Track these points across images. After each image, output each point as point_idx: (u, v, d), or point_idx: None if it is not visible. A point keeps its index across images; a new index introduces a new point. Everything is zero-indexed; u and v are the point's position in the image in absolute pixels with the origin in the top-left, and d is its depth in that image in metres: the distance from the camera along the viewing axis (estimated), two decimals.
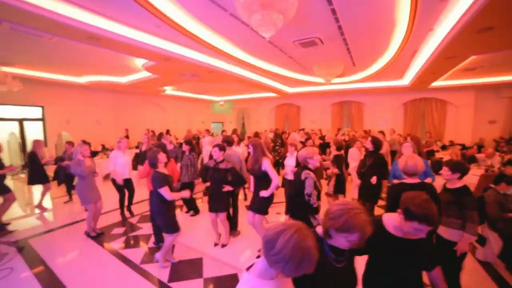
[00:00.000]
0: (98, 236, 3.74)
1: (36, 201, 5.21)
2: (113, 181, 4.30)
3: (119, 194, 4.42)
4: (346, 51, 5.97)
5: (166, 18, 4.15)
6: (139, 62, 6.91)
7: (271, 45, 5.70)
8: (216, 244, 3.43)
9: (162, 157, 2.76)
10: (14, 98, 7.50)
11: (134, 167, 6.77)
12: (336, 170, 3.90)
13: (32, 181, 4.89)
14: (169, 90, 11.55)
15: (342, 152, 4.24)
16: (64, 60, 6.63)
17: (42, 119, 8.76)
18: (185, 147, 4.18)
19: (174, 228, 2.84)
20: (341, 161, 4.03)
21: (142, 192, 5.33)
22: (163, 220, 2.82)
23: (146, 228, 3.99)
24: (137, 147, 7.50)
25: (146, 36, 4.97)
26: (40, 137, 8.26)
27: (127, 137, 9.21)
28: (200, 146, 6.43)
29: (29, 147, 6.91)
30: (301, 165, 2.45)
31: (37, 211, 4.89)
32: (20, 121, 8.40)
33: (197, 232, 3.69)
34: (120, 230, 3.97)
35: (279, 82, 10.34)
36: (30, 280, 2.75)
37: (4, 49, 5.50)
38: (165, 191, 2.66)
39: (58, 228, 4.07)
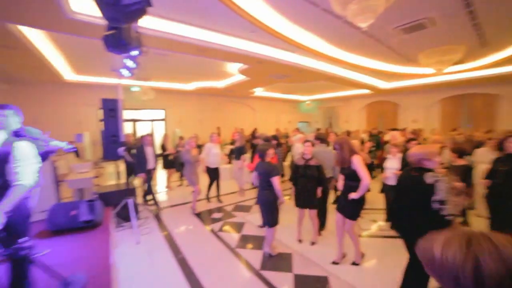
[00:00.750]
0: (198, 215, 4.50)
1: (162, 182, 6.71)
2: (207, 169, 5.12)
3: (210, 179, 5.21)
4: (472, 28, 4.70)
5: (260, 23, 4.45)
6: (235, 67, 7.73)
7: (366, 35, 5.17)
8: (300, 241, 3.46)
9: (271, 152, 3.08)
10: (148, 104, 9.89)
11: (230, 161, 7.67)
12: (461, 184, 3.00)
13: (164, 166, 6.35)
14: (258, 92, 12.37)
15: (466, 160, 3.28)
16: (179, 71, 8.19)
17: (164, 120, 11.24)
18: (274, 142, 4.38)
19: (275, 221, 3.02)
20: (469, 173, 3.12)
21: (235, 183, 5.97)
22: (268, 210, 3.01)
23: (240, 217, 4.43)
24: (231, 144, 8.45)
25: (241, 42, 5.48)
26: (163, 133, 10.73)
27: (218, 134, 10.55)
28: (289, 144, 6.63)
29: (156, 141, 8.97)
30: (412, 167, 2.10)
31: (161, 190, 6.28)
32: (151, 122, 11.06)
33: (285, 228, 3.79)
34: (218, 215, 4.56)
35: (373, 77, 9.28)
36: (161, 239, 3.59)
37: (146, 68, 7.32)
38: (278, 180, 2.92)
39: (174, 206, 5.07)
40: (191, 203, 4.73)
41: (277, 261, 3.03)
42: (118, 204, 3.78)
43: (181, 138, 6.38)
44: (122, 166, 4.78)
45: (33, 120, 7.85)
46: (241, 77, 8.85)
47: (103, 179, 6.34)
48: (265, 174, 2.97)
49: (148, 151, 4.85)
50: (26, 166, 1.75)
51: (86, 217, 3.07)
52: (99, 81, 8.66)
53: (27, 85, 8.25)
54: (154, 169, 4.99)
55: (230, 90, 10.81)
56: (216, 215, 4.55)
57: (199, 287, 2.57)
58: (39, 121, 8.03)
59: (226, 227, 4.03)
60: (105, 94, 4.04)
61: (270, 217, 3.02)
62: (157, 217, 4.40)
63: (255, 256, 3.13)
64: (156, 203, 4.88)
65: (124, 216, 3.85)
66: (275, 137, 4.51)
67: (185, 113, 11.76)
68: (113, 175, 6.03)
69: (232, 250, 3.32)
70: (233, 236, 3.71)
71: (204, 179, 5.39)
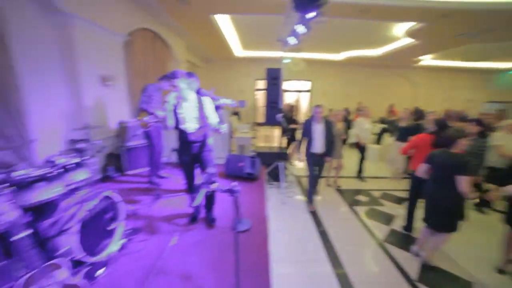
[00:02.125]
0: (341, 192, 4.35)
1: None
2: (356, 144, 4.82)
3: (361, 155, 4.88)
4: None
5: None
6: (401, 29, 6.23)
7: None
8: (501, 271, 2.43)
9: (463, 142, 2.24)
10: (296, 75, 10.26)
11: (378, 141, 6.75)
12: None
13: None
14: (426, 60, 9.63)
15: None
16: (332, 40, 7.66)
17: (309, 91, 11.41)
18: (473, 129, 3.11)
19: (452, 226, 2.31)
20: None
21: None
22: (444, 211, 2.31)
23: (389, 207, 3.81)
24: (382, 122, 7.30)
25: None
26: (306, 105, 11.15)
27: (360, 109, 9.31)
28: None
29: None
30: None
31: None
32: (298, 93, 11.58)
33: (468, 245, 2.85)
34: (363, 198, 4.15)
35: None
36: (303, 206, 3.72)
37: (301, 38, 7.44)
38: (466, 181, 2.13)
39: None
40: (333, 178, 4.59)
41: (446, 284, 2.33)
42: (270, 164, 4.28)
43: (330, 110, 6.17)
44: (274, 131, 5.29)
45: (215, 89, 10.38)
46: (408, 41, 7.08)
47: (257, 140, 7.46)
48: (449, 168, 2.21)
49: (317, 129, 3.44)
50: (214, 113, 2.51)
51: (249, 170, 3.71)
52: (259, 55, 9.86)
53: (212, 63, 10.86)
54: (325, 155, 3.51)
55: (386, 59, 9.08)
56: (360, 197, 4.17)
57: (338, 263, 2.47)
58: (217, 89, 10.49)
59: (372, 214, 3.60)
60: (263, 67, 4.49)
61: (447, 221, 2.30)
62: (300, 184, 4.64)
63: (407, 260, 2.58)
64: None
65: (273, 176, 4.34)
66: (479, 122, 3.16)
67: (331, 85, 11.34)
68: (265, 138, 6.94)
69: (379, 242, 2.92)
70: (379, 226, 3.25)
71: (348, 156, 5.10)
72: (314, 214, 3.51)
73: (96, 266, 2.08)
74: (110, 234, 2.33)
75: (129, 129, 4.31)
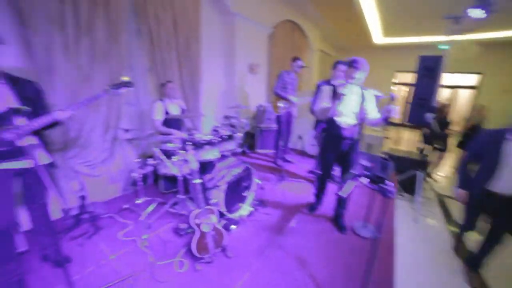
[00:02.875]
0: None
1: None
2: None
3: None
4: None
5: None
6: None
7: None
8: None
9: None
10: (457, 66, 7.75)
11: None
12: None
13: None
14: None
15: None
16: None
17: (476, 87, 8.35)
18: None
19: None
20: None
21: None
22: None
23: None
24: None
25: None
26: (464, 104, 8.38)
27: None
28: None
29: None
30: None
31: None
32: (452, 89, 8.89)
33: None
34: None
35: None
36: (445, 235, 2.92)
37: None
38: None
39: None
40: None
41: None
42: (403, 172, 3.61)
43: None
44: (411, 134, 4.37)
45: None
46: None
47: (388, 141, 6.45)
48: None
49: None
50: (375, 108, 2.32)
51: (379, 173, 3.28)
52: (402, 42, 8.23)
53: (345, 52, 10.17)
54: None
55: None
56: None
57: None
58: None
59: None
60: (405, 57, 3.64)
61: None
62: (441, 205, 3.67)
63: None
64: None
65: (405, 187, 3.65)
66: None
67: None
68: (397, 140, 5.92)
69: None
70: None
71: None
72: (461, 244, 2.67)
73: (231, 221, 2.54)
74: (243, 199, 2.77)
75: (264, 112, 4.87)
